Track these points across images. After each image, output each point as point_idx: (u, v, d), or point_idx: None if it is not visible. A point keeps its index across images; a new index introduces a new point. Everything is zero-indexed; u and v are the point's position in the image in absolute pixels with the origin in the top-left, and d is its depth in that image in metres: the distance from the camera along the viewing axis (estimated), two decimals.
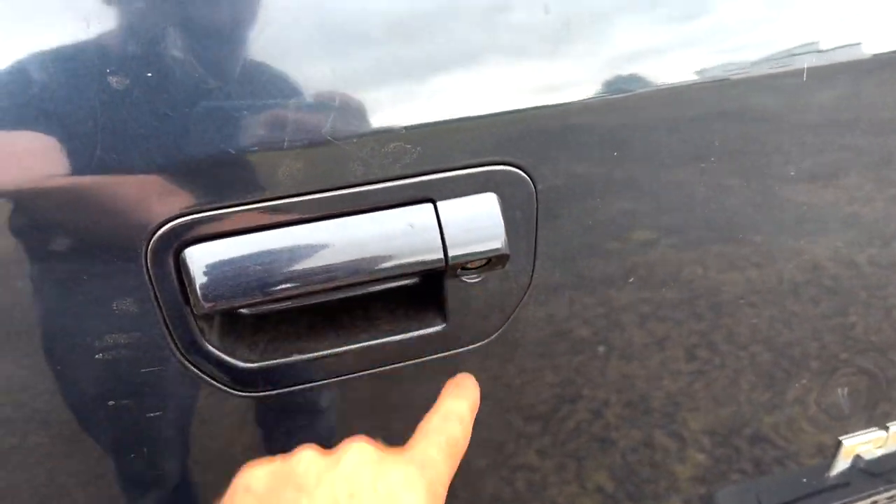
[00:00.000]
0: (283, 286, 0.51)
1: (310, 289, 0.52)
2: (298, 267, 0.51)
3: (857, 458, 0.90)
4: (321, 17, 0.48)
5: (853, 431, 0.88)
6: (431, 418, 0.50)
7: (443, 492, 0.46)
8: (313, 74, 0.49)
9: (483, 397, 0.56)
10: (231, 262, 0.50)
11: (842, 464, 0.91)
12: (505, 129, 0.54)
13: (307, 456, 0.45)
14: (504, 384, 0.65)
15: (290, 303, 0.59)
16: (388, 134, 0.51)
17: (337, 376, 0.59)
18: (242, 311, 0.58)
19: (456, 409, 0.51)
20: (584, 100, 0.55)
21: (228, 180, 0.49)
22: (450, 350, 0.61)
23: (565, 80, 0.54)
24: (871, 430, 0.89)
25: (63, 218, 0.47)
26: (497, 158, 0.55)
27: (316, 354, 0.57)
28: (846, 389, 0.82)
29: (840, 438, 0.88)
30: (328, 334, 0.59)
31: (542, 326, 0.63)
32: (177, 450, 0.58)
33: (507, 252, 0.56)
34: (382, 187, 0.53)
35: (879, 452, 0.91)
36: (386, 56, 0.50)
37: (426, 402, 0.53)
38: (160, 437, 0.56)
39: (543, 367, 0.66)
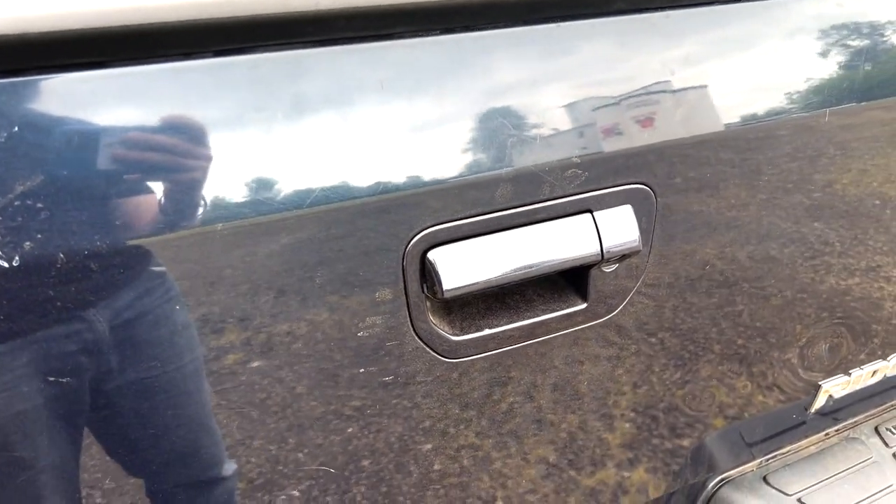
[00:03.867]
0: (498, 277, 0.70)
1: (513, 279, 0.70)
2: (508, 263, 0.70)
3: (830, 397, 1.14)
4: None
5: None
6: None
7: None
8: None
9: (601, 358, 0.76)
10: (463, 259, 0.68)
11: (818, 402, 1.13)
12: (639, 159, 0.75)
13: None
14: (616, 348, 0.85)
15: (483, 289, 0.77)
16: (567, 162, 0.71)
17: (510, 346, 0.77)
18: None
19: None
20: (695, 136, 0.77)
21: (461, 200, 0.67)
22: (587, 323, 0.81)
23: (680, 122, 0.76)
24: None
25: (346, 230, 0.64)
26: (633, 179, 0.76)
27: (498, 329, 0.76)
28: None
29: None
30: (501, 314, 0.78)
31: (647, 307, 0.84)
32: (399, 407, 0.75)
33: (641, 248, 0.76)
34: (561, 202, 0.72)
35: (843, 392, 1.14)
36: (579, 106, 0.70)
37: (569, 363, 0.72)
38: (389, 398, 0.73)
39: (641, 339, 0.87)
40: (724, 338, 0.94)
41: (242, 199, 0.59)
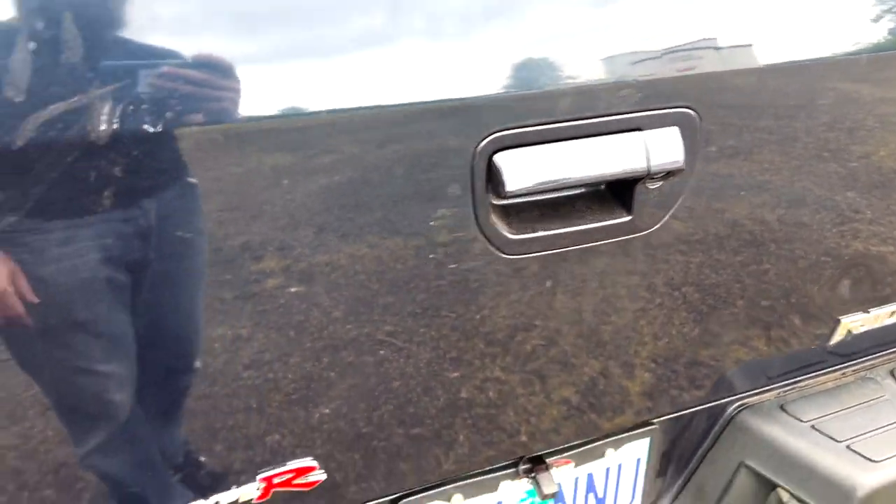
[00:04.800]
0: (555, 182, 0.78)
1: (568, 185, 0.79)
2: (565, 170, 0.79)
3: (849, 332, 1.21)
4: None
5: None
6: None
7: None
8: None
9: (637, 271, 0.85)
10: (525, 164, 0.77)
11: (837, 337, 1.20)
12: (688, 84, 0.82)
13: None
14: (652, 262, 0.94)
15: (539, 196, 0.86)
16: (623, 83, 0.79)
17: (558, 249, 0.86)
18: (506, 200, 0.84)
19: None
20: (736, 69, 0.84)
21: (527, 109, 0.76)
22: (628, 236, 0.89)
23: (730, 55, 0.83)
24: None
25: (426, 130, 0.73)
26: (681, 103, 0.83)
27: (550, 233, 0.85)
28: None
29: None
30: (553, 220, 0.86)
31: (685, 225, 0.92)
32: (456, 292, 0.84)
33: (684, 167, 0.84)
34: (614, 119, 0.80)
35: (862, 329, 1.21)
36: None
37: (608, 271, 0.81)
38: (449, 284, 0.83)
39: (676, 255, 0.95)
40: (754, 266, 1.02)
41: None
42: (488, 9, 0.74)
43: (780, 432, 1.20)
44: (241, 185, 0.69)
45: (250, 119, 0.67)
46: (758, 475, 1.21)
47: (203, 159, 0.66)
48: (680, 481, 1.30)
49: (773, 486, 1.20)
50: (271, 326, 0.76)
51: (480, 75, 0.74)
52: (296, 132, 0.69)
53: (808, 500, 1.16)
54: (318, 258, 0.75)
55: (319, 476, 0.88)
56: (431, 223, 0.78)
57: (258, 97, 0.67)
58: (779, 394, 1.27)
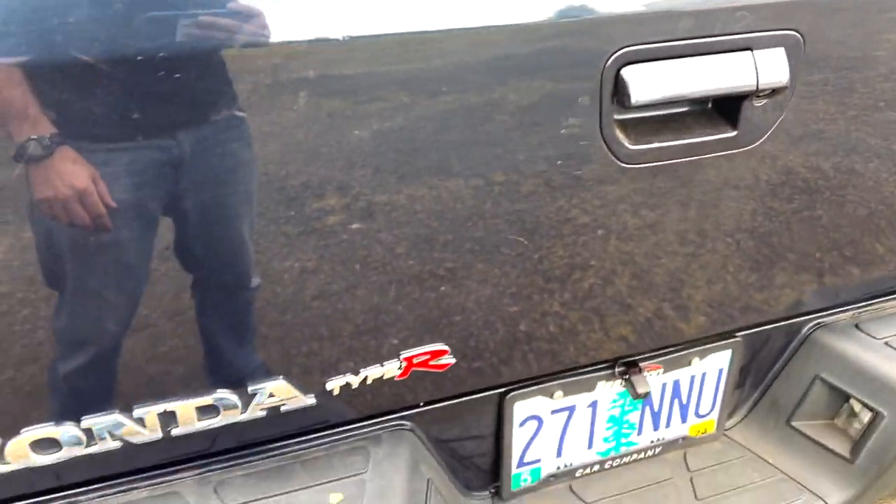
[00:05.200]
0: (674, 95, 0.88)
1: (687, 97, 0.88)
2: (684, 84, 0.88)
3: None
4: None
5: None
6: None
7: None
8: None
9: (740, 185, 0.94)
10: (649, 77, 0.87)
11: None
12: (793, 8, 0.91)
13: None
14: (754, 177, 1.03)
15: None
16: (737, 5, 0.87)
17: (670, 160, 0.96)
18: (628, 113, 0.94)
19: None
20: None
21: (651, 28, 0.85)
22: (734, 150, 0.98)
23: None
24: None
25: (561, 45, 0.83)
26: (786, 25, 0.92)
27: (664, 144, 0.94)
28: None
29: None
30: (667, 133, 0.96)
31: (785, 143, 1.01)
32: (580, 198, 0.94)
33: (788, 85, 0.93)
34: (728, 38, 0.89)
35: None
36: None
37: (714, 183, 0.91)
38: (570, 188, 0.93)
39: (776, 172, 1.04)
40: (844, 191, 1.10)
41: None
42: None
43: (856, 348, 1.29)
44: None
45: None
46: (832, 387, 1.31)
47: None
48: (756, 394, 1.40)
49: (846, 398, 1.30)
50: (433, 218, 0.87)
51: None
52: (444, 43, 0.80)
53: (879, 408, 1.25)
54: (470, 163, 0.86)
55: (450, 360, 1.00)
56: (562, 131, 0.88)
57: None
58: (853, 314, 1.35)
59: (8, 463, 0.84)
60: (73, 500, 0.93)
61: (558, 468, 1.27)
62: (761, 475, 1.33)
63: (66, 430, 0.84)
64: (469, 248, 0.92)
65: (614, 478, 1.31)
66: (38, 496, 0.91)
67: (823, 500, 1.30)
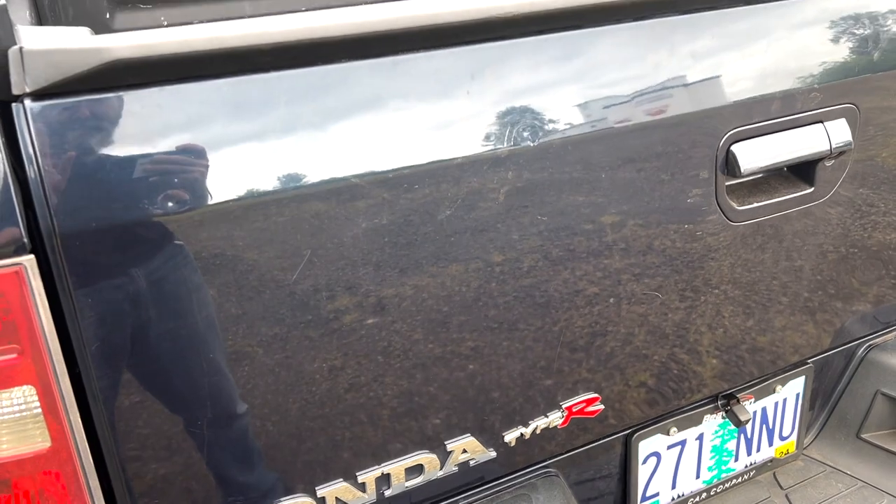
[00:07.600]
0: (773, 164, 1.08)
1: (782, 164, 1.09)
2: (779, 153, 1.08)
3: None
4: None
5: None
6: None
7: None
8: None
9: (818, 231, 1.15)
10: (753, 151, 1.07)
11: None
12: (853, 85, 1.13)
13: None
14: (826, 224, 1.23)
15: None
16: (811, 88, 1.09)
17: (766, 216, 1.15)
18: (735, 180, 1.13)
19: None
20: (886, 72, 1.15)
21: (751, 112, 1.06)
22: (813, 202, 1.18)
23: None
24: None
25: (686, 132, 1.03)
26: (846, 100, 1.14)
27: (763, 203, 1.14)
28: None
29: None
30: (758, 195, 1.15)
31: (849, 192, 1.22)
32: (699, 254, 1.13)
33: (852, 146, 1.14)
34: (807, 115, 1.10)
35: None
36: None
37: (797, 232, 1.11)
38: (697, 246, 1.11)
39: (844, 218, 1.24)
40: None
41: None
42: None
43: None
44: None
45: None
46: (892, 399, 1.49)
47: None
48: (825, 414, 1.58)
49: None
50: (573, 291, 1.04)
51: (725, 89, 1.04)
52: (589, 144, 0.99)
53: None
54: (626, 234, 1.04)
55: (599, 406, 1.15)
56: (689, 200, 1.07)
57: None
58: None
59: None
60: None
61: (672, 499, 1.41)
62: (845, 485, 1.49)
63: None
64: (618, 300, 1.09)
65: (720, 503, 1.46)
66: None
67: None
